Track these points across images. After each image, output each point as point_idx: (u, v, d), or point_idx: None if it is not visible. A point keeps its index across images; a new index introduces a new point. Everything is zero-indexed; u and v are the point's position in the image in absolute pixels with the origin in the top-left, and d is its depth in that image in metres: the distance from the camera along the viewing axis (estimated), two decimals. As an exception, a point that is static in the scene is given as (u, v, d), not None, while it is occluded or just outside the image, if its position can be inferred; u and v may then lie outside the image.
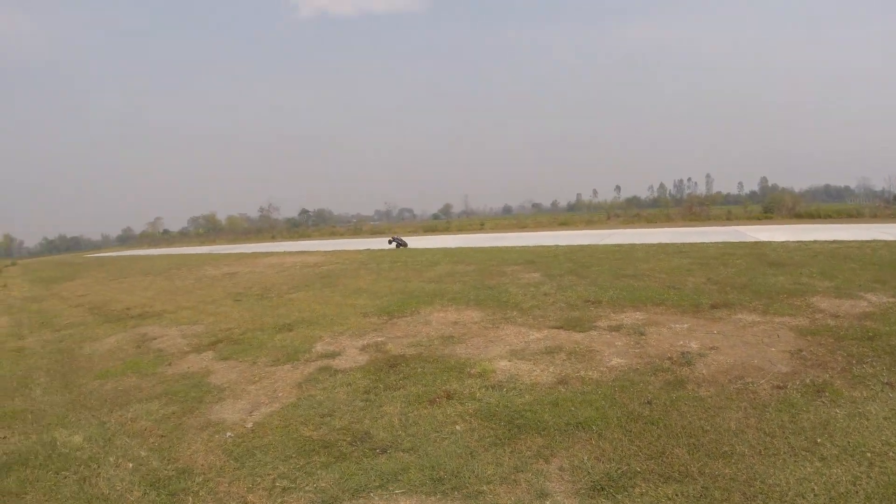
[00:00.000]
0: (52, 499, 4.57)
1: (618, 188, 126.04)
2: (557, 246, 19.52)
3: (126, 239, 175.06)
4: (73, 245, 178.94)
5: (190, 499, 4.27)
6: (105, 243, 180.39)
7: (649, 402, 4.95)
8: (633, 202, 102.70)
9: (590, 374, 5.83)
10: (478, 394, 5.51)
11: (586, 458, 4.12)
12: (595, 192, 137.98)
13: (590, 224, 38.79)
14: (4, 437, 6.13)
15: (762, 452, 3.98)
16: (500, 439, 4.52)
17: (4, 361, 10.04)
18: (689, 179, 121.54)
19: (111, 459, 5.17)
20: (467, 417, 4.99)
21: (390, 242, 26.67)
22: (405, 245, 26.69)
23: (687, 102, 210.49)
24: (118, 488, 4.59)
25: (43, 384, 8.20)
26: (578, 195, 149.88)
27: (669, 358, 6.09)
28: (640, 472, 3.86)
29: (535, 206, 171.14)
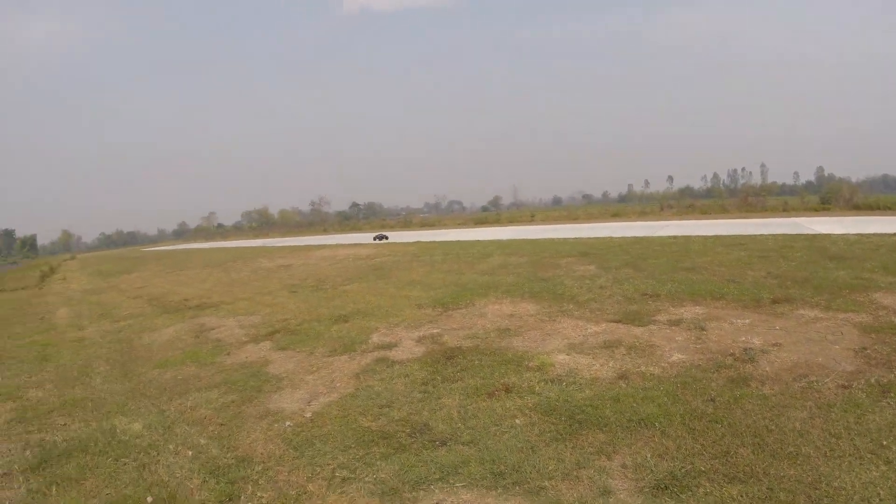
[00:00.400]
0: (111, 485, 4.65)
1: (670, 178, 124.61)
2: (611, 238, 19.34)
3: (181, 233, 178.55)
4: (129, 240, 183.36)
5: (249, 487, 4.30)
6: (161, 237, 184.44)
7: (712, 400, 4.84)
8: (687, 192, 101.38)
9: (651, 369, 5.72)
10: (537, 387, 5.46)
11: (649, 455, 4.05)
12: (647, 182, 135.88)
13: (643, 215, 38.29)
14: (65, 425, 6.27)
15: (827, 454, 3.86)
16: (561, 434, 4.46)
17: (65, 351, 10.29)
18: (744, 169, 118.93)
19: (171, 447, 5.25)
20: (527, 411, 4.94)
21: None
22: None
23: (739, 91, 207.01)
24: (178, 475, 4.66)
25: (103, 373, 8.37)
26: (630, 186, 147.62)
27: (732, 354, 5.95)
28: (704, 472, 3.78)
29: (586, 197, 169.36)
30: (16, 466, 5.26)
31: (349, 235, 48.16)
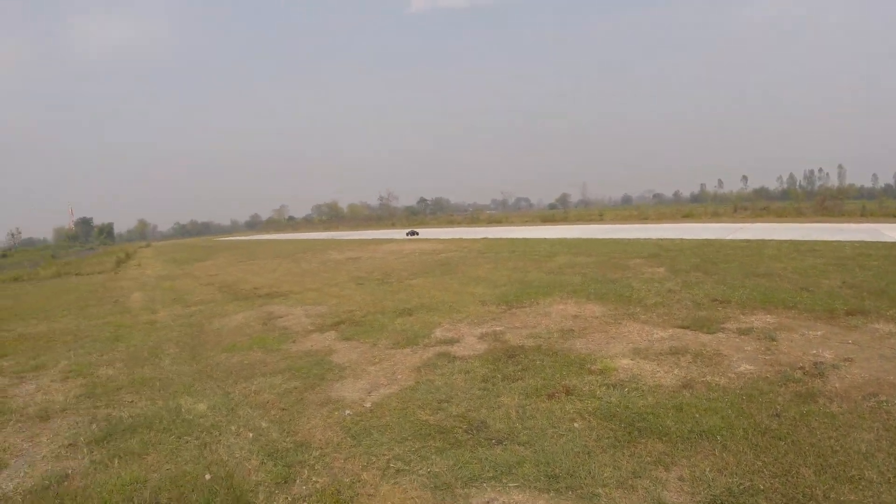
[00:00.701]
0: (172, 461, 4.81)
1: (744, 178, 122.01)
2: (682, 240, 18.97)
3: (253, 224, 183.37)
4: (203, 229, 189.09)
5: (305, 471, 4.39)
6: (233, 228, 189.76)
7: (777, 415, 4.70)
8: (761, 194, 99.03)
9: (716, 379, 5.57)
10: (598, 392, 5.39)
11: (708, 469, 3.95)
12: (720, 182, 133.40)
13: (715, 217, 37.39)
14: (132, 402, 6.52)
15: (891, 480, 3.70)
16: (620, 441, 4.39)
17: (137, 333, 10.65)
18: (821, 170, 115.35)
19: (232, 428, 5.40)
20: (586, 415, 4.89)
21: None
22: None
23: (819, 88, 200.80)
24: (237, 456, 4.79)
25: (172, 355, 8.64)
26: (702, 185, 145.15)
27: (801, 368, 5.75)
28: (762, 490, 3.66)
29: (657, 196, 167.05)
30: (81, 438, 5.50)
31: (417, 230, 48.45)
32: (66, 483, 4.59)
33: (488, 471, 4.09)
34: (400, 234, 41.54)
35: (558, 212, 66.31)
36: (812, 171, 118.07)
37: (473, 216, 69.77)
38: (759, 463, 4.00)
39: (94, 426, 5.80)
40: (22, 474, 4.86)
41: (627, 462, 4.10)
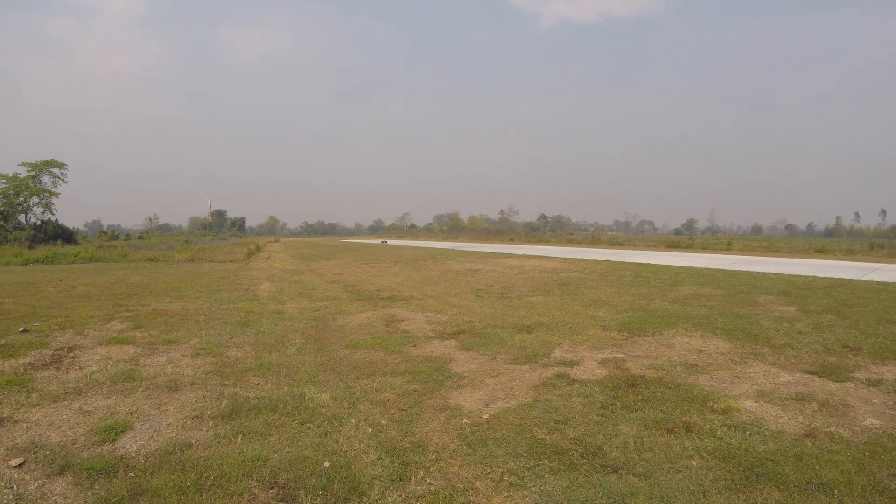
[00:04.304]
0: (293, 444, 5.02)
1: (883, 213, 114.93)
2: (815, 278, 18.09)
3: (376, 229, 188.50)
4: (329, 230, 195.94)
5: (421, 472, 4.49)
6: (357, 231, 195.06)
7: (900, 476, 4.48)
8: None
9: (840, 431, 5.32)
10: (718, 431, 5.25)
11: (823, 524, 3.81)
12: (857, 215, 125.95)
13: (849, 254, 35.22)
14: (258, 384, 6.85)
15: None
16: (736, 484, 4.27)
17: (265, 321, 11.13)
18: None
19: (353, 421, 5.59)
20: (704, 454, 4.78)
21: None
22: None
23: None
24: (355, 448, 4.95)
25: (297, 344, 8.98)
26: (838, 218, 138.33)
27: (934, 429, 5.44)
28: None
29: (789, 227, 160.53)
30: (208, 412, 5.83)
31: (536, 247, 48.27)
32: (188, 452, 4.87)
33: (601, 497, 4.06)
34: (520, 249, 41.52)
35: (684, 238, 64.32)
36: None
37: (594, 236, 68.75)
38: (873, 525, 3.82)
39: (222, 402, 6.13)
40: (146, 437, 5.20)
41: (743, 507, 3.99)
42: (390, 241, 75.16)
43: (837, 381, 6.88)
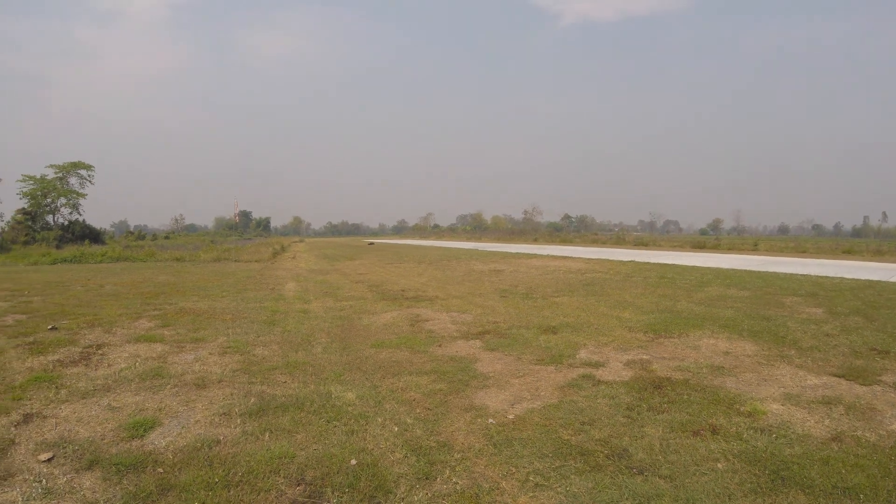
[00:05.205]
0: (320, 442, 5.08)
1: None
2: (842, 279, 17.80)
3: (400, 229, 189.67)
4: (353, 230, 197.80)
5: (447, 471, 4.52)
6: (381, 231, 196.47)
7: (928, 481, 4.43)
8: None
9: (867, 435, 5.26)
10: (745, 434, 5.22)
11: (847, 528, 3.78)
12: (884, 215, 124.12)
13: (878, 255, 34.55)
14: (285, 382, 6.93)
15: None
16: (762, 488, 4.24)
17: (291, 320, 11.24)
18: None
19: (379, 420, 5.63)
20: (730, 457, 4.75)
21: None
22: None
23: None
24: (381, 446, 4.99)
25: (323, 343, 9.06)
26: (865, 218, 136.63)
27: (962, 434, 5.36)
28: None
29: (816, 227, 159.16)
30: (235, 409, 5.91)
31: (560, 247, 48.06)
32: (216, 448, 4.94)
33: (627, 498, 4.06)
34: (544, 249, 41.42)
35: (710, 238, 63.63)
36: None
37: (619, 236, 68.31)
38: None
39: (249, 400, 6.20)
40: (175, 434, 5.29)
41: (768, 511, 3.96)
42: (413, 242, 75.18)
43: (864, 385, 6.80)
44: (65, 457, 4.77)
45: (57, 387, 6.65)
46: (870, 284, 16.52)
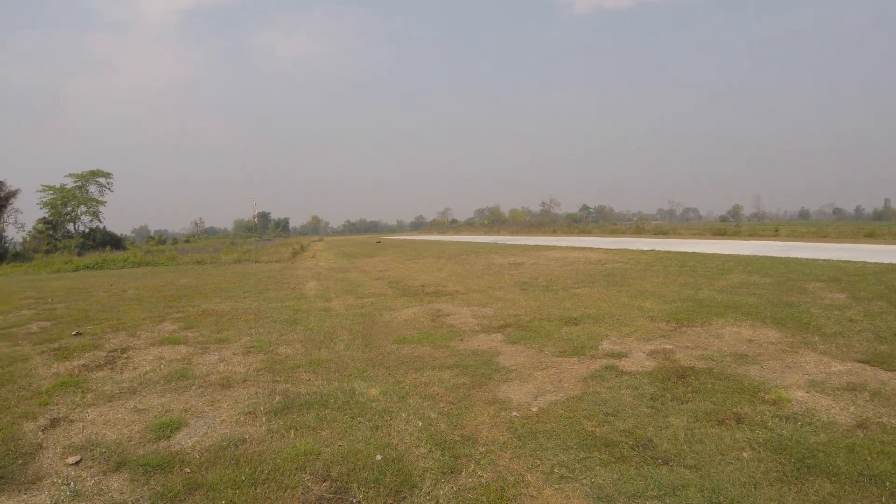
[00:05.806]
0: (344, 438, 5.13)
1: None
2: (865, 263, 17.50)
3: (418, 225, 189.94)
4: (371, 227, 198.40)
5: (471, 465, 4.54)
6: (399, 228, 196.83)
7: (954, 466, 4.37)
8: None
9: (892, 421, 5.19)
10: (770, 422, 5.19)
11: (873, 515, 3.75)
12: None
13: None
14: (309, 380, 7.00)
15: None
16: (787, 476, 4.22)
17: (313, 318, 11.31)
18: None
19: (403, 415, 5.67)
20: (756, 446, 4.73)
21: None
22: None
23: None
24: (406, 441, 5.04)
25: (346, 340, 9.11)
26: (886, 201, 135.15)
27: None
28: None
29: (837, 211, 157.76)
30: (260, 408, 5.98)
31: (579, 238, 47.75)
32: (242, 447, 5.01)
33: (652, 489, 4.06)
34: (563, 241, 41.25)
35: (730, 225, 62.83)
36: None
37: (638, 226, 67.71)
38: (927, 515, 3.75)
39: (274, 398, 6.27)
40: (201, 434, 5.36)
41: (793, 499, 3.93)
42: (432, 238, 75.03)
43: (889, 370, 6.71)
44: (92, 459, 4.84)
45: (83, 391, 6.74)
46: (893, 268, 16.28)
